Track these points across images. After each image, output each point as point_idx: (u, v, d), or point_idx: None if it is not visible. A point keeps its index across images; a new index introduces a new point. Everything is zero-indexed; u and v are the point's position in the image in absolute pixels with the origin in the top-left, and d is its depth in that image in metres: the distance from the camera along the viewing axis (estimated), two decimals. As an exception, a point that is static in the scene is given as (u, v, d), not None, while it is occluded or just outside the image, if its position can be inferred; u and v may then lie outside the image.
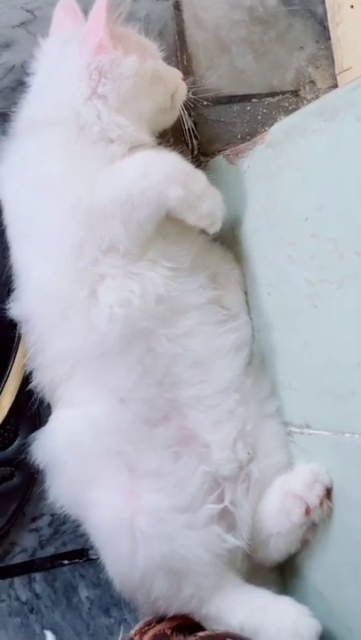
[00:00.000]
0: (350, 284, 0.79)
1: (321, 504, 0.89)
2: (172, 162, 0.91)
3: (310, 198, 0.83)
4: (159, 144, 0.99)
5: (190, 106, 1.03)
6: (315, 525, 0.91)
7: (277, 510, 0.91)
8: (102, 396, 0.90)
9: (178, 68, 1.10)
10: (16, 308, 0.92)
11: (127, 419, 0.89)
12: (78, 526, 0.98)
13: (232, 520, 0.91)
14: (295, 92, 1.17)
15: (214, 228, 0.94)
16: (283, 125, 0.89)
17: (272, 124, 1.13)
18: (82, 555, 1.05)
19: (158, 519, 0.86)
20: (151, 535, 0.85)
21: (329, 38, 1.18)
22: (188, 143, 1.02)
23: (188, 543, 0.86)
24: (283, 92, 1.17)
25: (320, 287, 0.84)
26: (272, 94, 1.16)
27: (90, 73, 0.91)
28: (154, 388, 0.90)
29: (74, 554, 1.05)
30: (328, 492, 0.89)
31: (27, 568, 1.03)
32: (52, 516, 1.04)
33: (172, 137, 1.06)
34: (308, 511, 0.89)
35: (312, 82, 1.17)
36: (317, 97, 1.16)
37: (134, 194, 0.87)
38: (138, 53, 0.93)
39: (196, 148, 1.11)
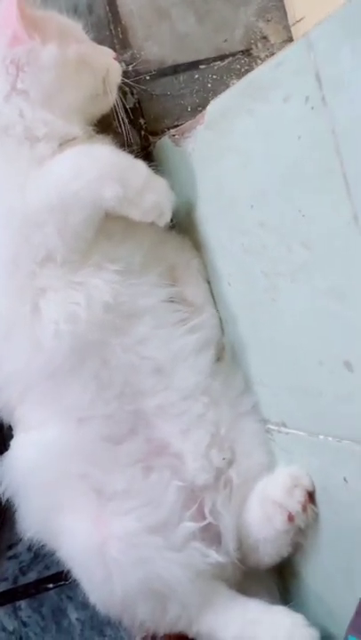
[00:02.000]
0: (301, 279, 0.70)
1: (304, 509, 0.83)
2: (104, 157, 0.83)
3: (253, 184, 0.75)
4: (101, 132, 0.91)
5: (129, 85, 0.94)
6: (304, 529, 0.85)
7: (259, 517, 0.86)
8: (58, 418, 0.85)
9: (113, 43, 1.01)
10: None
11: (87, 438, 0.84)
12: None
13: (215, 532, 0.87)
14: (247, 52, 1.06)
15: (164, 220, 0.86)
16: (218, 104, 0.80)
17: (224, 91, 1.03)
18: (67, 576, 0.99)
19: (130, 544, 0.81)
20: (124, 562, 0.80)
21: (279, -15, 1.06)
22: (125, 132, 0.92)
23: (165, 565, 0.81)
24: (233, 54, 1.05)
25: (275, 280, 0.76)
26: (221, 57, 1.05)
27: (6, 67, 0.83)
28: (114, 402, 0.84)
29: (58, 576, 1.00)
30: (311, 496, 0.83)
31: (10, 597, 0.99)
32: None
33: (114, 120, 0.97)
34: (290, 518, 0.83)
35: (264, 37, 1.06)
36: (272, 54, 1.05)
37: (66, 197, 0.79)
38: (58, 39, 0.84)
39: (143, 127, 1.02)
